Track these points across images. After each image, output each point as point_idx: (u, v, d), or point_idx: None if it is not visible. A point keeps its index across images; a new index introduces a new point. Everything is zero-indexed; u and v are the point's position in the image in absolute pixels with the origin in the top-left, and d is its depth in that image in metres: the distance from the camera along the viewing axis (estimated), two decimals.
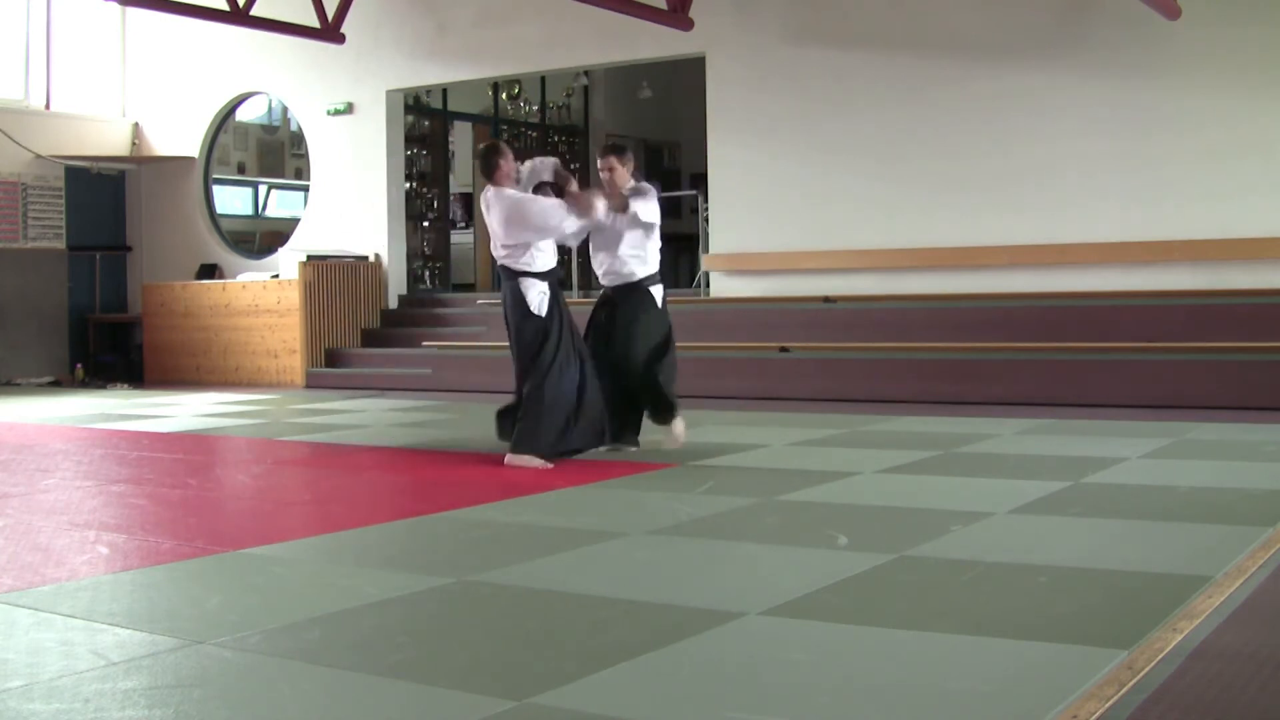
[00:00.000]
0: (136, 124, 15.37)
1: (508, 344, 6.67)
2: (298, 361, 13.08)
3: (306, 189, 14.70)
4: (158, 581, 3.94)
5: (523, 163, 6.87)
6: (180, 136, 15.07)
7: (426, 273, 15.04)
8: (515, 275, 6.45)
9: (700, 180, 13.05)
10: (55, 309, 14.58)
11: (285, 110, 15.70)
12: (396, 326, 13.46)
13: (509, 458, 6.41)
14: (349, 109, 13.87)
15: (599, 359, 6.63)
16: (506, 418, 6.64)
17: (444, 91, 15.02)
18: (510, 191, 6.50)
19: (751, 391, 10.41)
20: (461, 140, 16.12)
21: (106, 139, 15.14)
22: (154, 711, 2.63)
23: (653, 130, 17.05)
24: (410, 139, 14.58)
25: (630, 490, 5.64)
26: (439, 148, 15.31)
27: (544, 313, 6.42)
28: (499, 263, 6.59)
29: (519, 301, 6.42)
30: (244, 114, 15.87)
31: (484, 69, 13.43)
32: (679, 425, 6.70)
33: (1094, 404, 9.02)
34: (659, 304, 6.75)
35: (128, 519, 5.16)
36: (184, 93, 14.98)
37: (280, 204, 16.74)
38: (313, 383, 12.86)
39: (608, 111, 16.59)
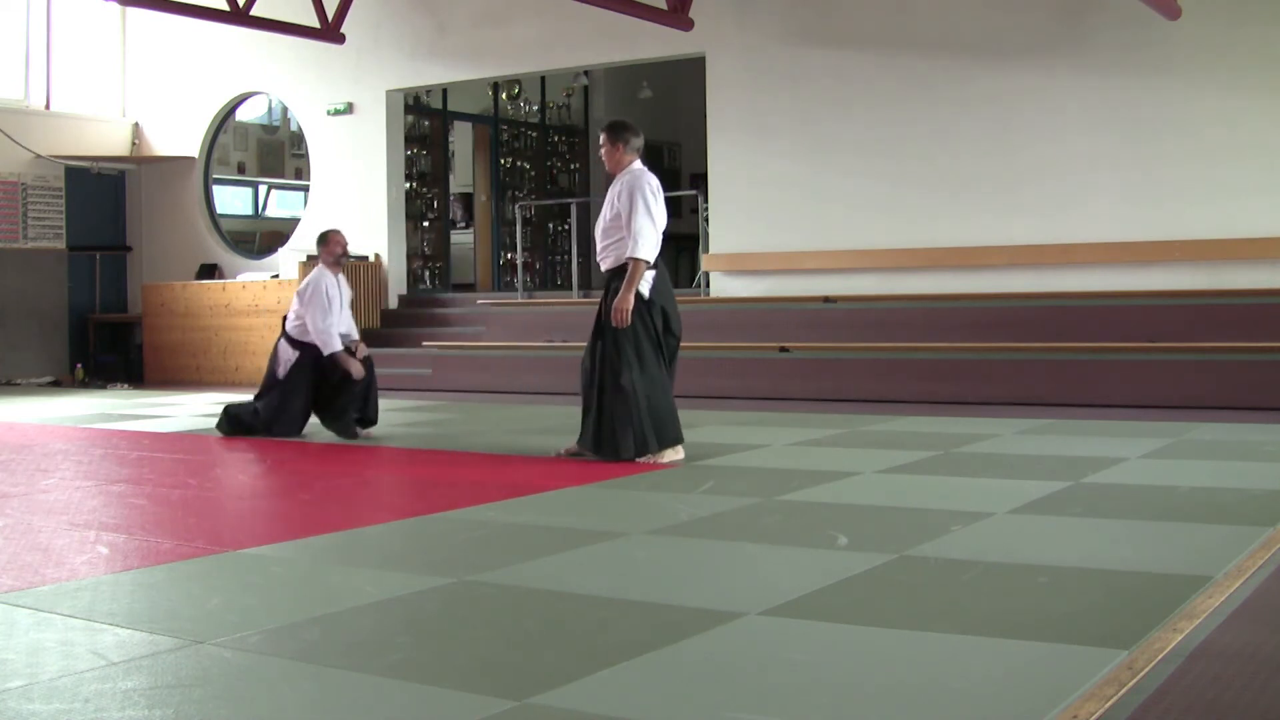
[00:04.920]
0: (136, 124, 15.38)
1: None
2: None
3: (306, 189, 14.71)
4: (158, 581, 3.94)
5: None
6: (180, 136, 15.07)
7: (426, 273, 15.05)
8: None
9: (700, 180, 13.06)
10: (55, 309, 14.58)
11: (285, 110, 15.71)
12: (396, 326, 13.46)
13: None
14: (349, 109, 13.87)
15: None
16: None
17: (444, 91, 15.02)
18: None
19: (751, 391, 10.41)
20: (461, 140, 16.13)
21: (106, 139, 15.14)
22: (154, 711, 2.63)
23: (653, 130, 16.95)
24: (410, 139, 14.59)
25: (630, 490, 5.64)
26: (439, 148, 15.31)
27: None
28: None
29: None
30: (244, 114, 15.88)
31: (484, 69, 13.43)
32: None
33: (1094, 404, 9.02)
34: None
35: (128, 519, 5.16)
36: (184, 93, 14.99)
37: (280, 204, 16.74)
38: None
39: (608, 111, 16.57)
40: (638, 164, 6.57)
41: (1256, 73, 9.69)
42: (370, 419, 8.06)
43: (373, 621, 3.38)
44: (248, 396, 11.23)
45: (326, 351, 7.90)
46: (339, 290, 8.08)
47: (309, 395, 8.04)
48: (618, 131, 6.58)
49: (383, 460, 7.16)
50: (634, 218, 6.34)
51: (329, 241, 8.12)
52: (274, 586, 3.89)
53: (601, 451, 6.47)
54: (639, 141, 6.61)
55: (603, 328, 6.51)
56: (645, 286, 6.42)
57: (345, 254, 8.21)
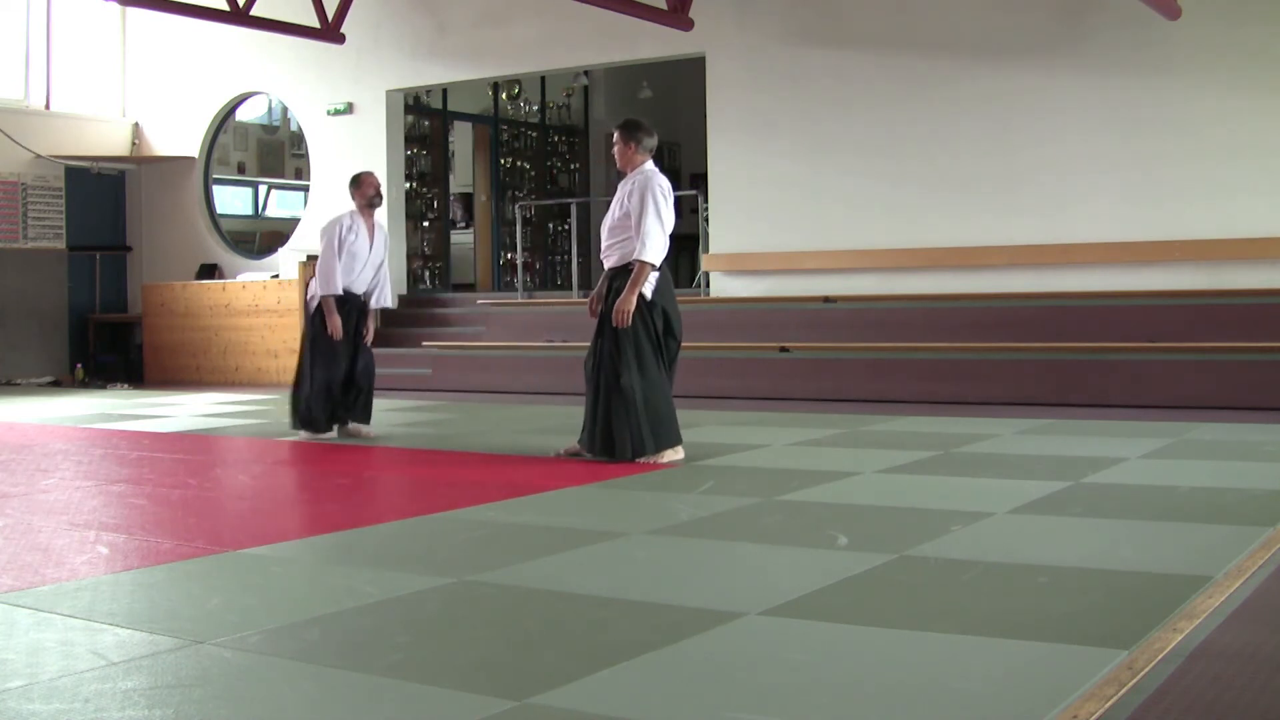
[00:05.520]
0: (136, 124, 15.38)
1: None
2: (298, 361, 13.07)
3: (306, 189, 14.70)
4: (158, 581, 3.94)
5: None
6: (180, 136, 15.07)
7: (426, 273, 15.05)
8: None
9: (700, 180, 13.06)
10: (55, 309, 14.58)
11: (285, 110, 15.70)
12: (396, 326, 13.46)
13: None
14: (349, 109, 13.87)
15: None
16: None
17: (444, 91, 15.02)
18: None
19: (751, 391, 10.41)
20: (461, 140, 16.13)
21: (106, 139, 15.14)
22: (154, 711, 2.63)
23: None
24: (410, 139, 14.59)
25: (630, 490, 5.64)
26: (439, 148, 15.31)
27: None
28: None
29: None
30: (244, 114, 15.88)
31: (484, 69, 13.43)
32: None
33: (1094, 404, 9.02)
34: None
35: (128, 519, 5.16)
36: (184, 93, 14.99)
37: (280, 204, 16.74)
38: None
39: (608, 111, 16.59)
40: (649, 164, 6.56)
41: (1256, 73, 9.69)
42: (361, 419, 7.92)
43: (373, 621, 3.38)
44: (249, 396, 11.22)
45: (321, 290, 7.63)
46: (367, 236, 7.76)
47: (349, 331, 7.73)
48: (631, 130, 6.57)
49: (383, 460, 7.16)
50: (643, 219, 6.33)
51: (361, 184, 7.80)
52: (274, 586, 3.89)
53: (599, 452, 6.47)
54: (652, 141, 6.60)
55: (603, 327, 6.52)
56: (648, 288, 6.42)
57: (378, 195, 7.82)
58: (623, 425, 6.38)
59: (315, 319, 7.78)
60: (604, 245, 6.58)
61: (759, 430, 7.93)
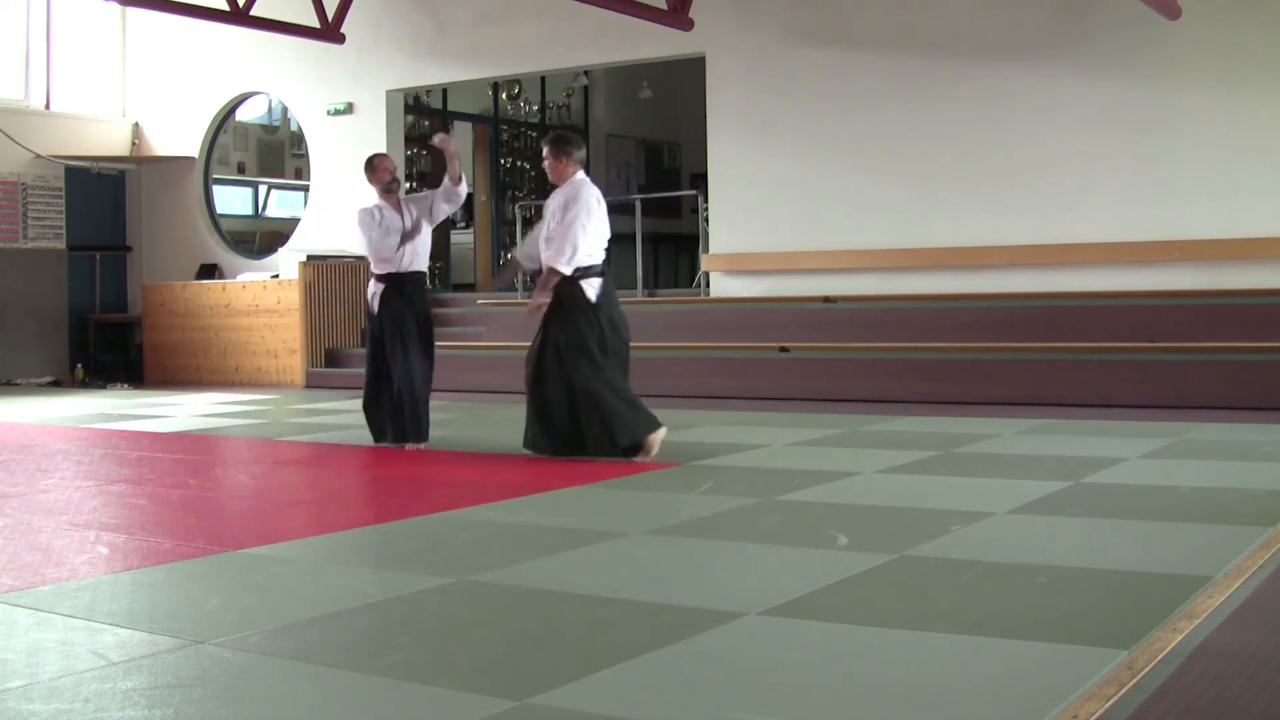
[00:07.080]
0: (136, 124, 15.38)
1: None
2: (298, 361, 13.08)
3: (306, 189, 14.70)
4: (158, 581, 3.94)
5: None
6: (180, 136, 15.07)
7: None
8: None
9: (700, 180, 13.05)
10: (55, 309, 14.58)
11: (285, 110, 15.70)
12: None
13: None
14: (349, 109, 13.87)
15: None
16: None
17: (444, 91, 15.02)
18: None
19: (751, 391, 10.40)
20: (462, 140, 16.12)
21: (106, 139, 15.14)
22: (154, 711, 2.63)
23: (653, 130, 17.03)
24: (410, 139, 14.59)
25: (630, 490, 5.64)
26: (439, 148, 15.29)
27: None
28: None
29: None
30: (244, 114, 15.88)
31: (484, 69, 13.43)
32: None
33: (1094, 404, 9.02)
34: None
35: (128, 519, 5.16)
36: (184, 93, 14.99)
37: (280, 204, 16.74)
38: (313, 383, 12.86)
39: (608, 111, 16.60)
40: (580, 174, 6.75)
41: (1256, 73, 9.69)
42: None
43: (373, 621, 3.38)
44: (249, 396, 11.20)
45: (376, 270, 7.33)
46: (398, 216, 7.37)
47: (413, 324, 7.35)
48: (560, 144, 6.78)
49: (383, 460, 7.16)
50: (562, 226, 6.52)
51: (375, 168, 7.42)
52: (274, 586, 3.89)
53: (603, 451, 6.50)
54: (581, 154, 6.82)
55: (553, 339, 6.61)
56: (592, 292, 6.56)
57: (395, 181, 7.41)
58: (609, 419, 6.48)
59: (380, 319, 7.35)
60: (542, 257, 6.70)
61: (759, 430, 7.93)
